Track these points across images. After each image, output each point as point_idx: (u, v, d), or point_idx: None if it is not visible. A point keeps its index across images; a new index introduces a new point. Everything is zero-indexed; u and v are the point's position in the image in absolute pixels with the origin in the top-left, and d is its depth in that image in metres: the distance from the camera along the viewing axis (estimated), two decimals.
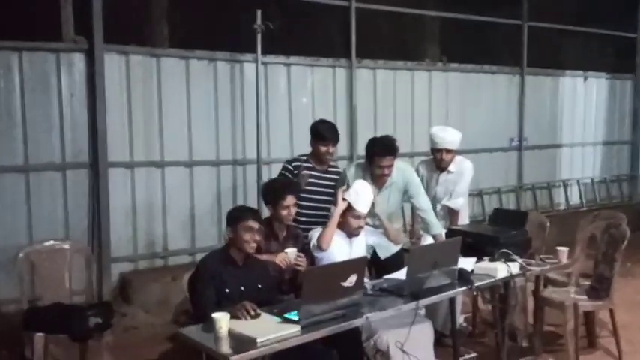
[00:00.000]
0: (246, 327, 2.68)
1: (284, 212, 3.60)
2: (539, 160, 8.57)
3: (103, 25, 5.09)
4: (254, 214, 3.30)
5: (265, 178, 5.40)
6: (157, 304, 5.14)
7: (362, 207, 3.61)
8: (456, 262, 3.39)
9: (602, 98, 9.35)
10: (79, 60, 5.18)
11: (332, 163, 4.42)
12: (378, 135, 4.25)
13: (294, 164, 4.25)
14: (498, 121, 8.05)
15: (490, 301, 3.77)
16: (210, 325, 2.67)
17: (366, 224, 3.82)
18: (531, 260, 3.84)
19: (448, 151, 4.46)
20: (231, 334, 2.63)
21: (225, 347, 2.55)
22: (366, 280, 3.37)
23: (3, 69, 4.89)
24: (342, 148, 6.55)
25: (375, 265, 4.11)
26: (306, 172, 4.17)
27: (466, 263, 3.55)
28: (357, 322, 2.89)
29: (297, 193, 3.73)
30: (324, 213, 4.19)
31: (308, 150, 4.39)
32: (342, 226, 3.68)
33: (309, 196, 4.17)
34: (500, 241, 3.78)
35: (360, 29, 6.57)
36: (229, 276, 3.18)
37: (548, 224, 4.66)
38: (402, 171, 4.11)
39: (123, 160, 5.38)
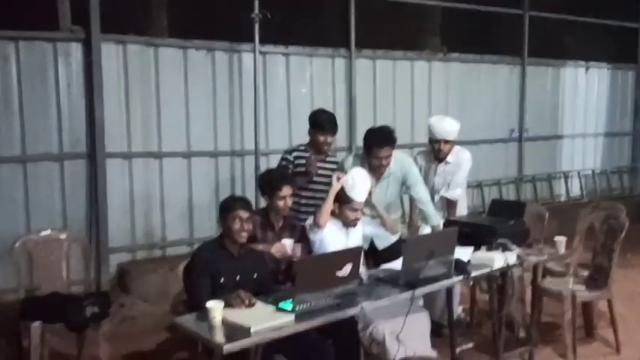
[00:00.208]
0: (240, 316, 2.68)
1: (280, 203, 3.58)
2: (540, 151, 8.53)
3: (100, 14, 5.06)
4: (243, 203, 3.28)
5: (263, 169, 5.36)
6: (155, 294, 5.14)
7: (357, 195, 3.59)
8: (452, 252, 3.38)
9: (604, 89, 9.30)
10: (76, 49, 5.15)
11: (330, 153, 4.39)
12: (371, 127, 4.22)
13: (294, 154, 4.22)
14: (499, 112, 8.02)
15: (487, 292, 3.75)
16: (204, 315, 2.66)
17: (364, 214, 3.80)
18: (529, 250, 3.82)
19: (446, 141, 4.43)
20: (225, 323, 2.62)
21: (219, 336, 2.54)
22: (362, 270, 3.36)
23: None
24: (341, 138, 6.52)
25: (373, 255, 4.10)
26: (314, 158, 4.13)
27: (463, 253, 3.54)
28: (352, 312, 2.88)
29: (293, 183, 3.71)
30: (321, 202, 4.17)
31: (307, 141, 4.36)
32: (339, 217, 3.66)
33: (307, 186, 4.15)
34: (497, 232, 3.76)
35: (360, 19, 6.52)
36: (224, 266, 3.17)
37: (546, 215, 4.64)
38: (401, 161, 4.09)
39: (120, 150, 5.37)
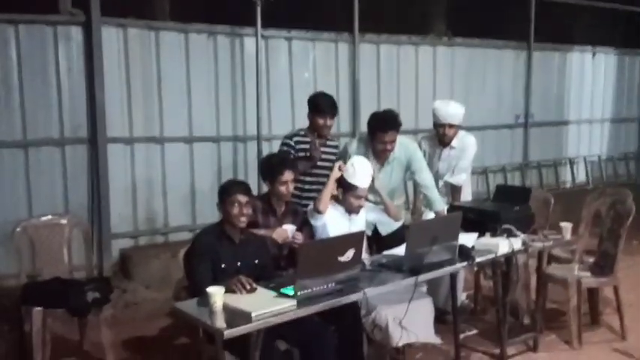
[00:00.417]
0: (241, 301, 2.64)
1: (282, 188, 3.53)
2: (546, 137, 8.46)
3: None
4: (242, 187, 3.23)
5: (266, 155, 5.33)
6: (157, 280, 5.12)
7: (359, 180, 3.55)
8: (456, 238, 3.33)
9: (611, 74, 9.20)
10: (76, 33, 5.10)
11: (330, 137, 4.34)
12: (375, 111, 4.16)
13: (295, 139, 4.16)
14: (504, 97, 7.94)
15: (492, 278, 3.71)
16: (205, 300, 2.63)
17: (367, 200, 3.76)
18: (534, 236, 3.77)
19: (451, 125, 4.37)
20: (225, 308, 2.59)
21: (219, 321, 2.51)
22: (364, 255, 3.33)
23: None
24: (344, 124, 6.52)
25: (376, 241, 4.06)
26: (317, 142, 4.08)
27: (467, 239, 3.49)
28: (355, 297, 2.85)
29: (295, 168, 3.66)
30: (323, 187, 4.14)
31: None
32: (342, 203, 3.63)
33: (310, 171, 4.10)
34: (502, 217, 3.72)
35: (363, 3, 6.43)
36: (225, 251, 3.13)
37: (552, 201, 4.58)
38: (405, 146, 4.04)
39: (122, 135, 5.33)
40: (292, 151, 4.08)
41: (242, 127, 5.91)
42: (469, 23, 7.54)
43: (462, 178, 4.45)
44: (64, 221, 4.05)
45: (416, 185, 4.35)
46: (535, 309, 4.15)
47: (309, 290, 2.70)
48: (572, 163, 8.77)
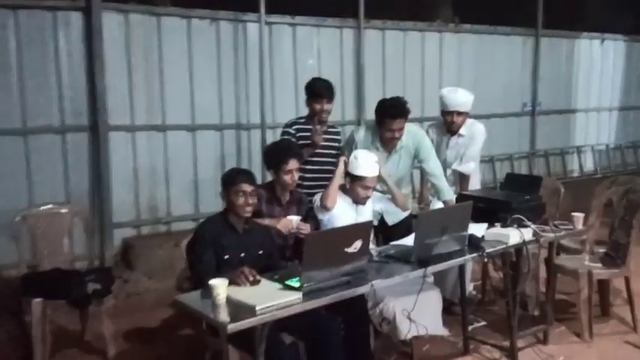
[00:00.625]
0: (245, 294, 2.56)
1: (287, 177, 3.45)
2: (553, 125, 8.37)
3: None
4: (247, 176, 3.14)
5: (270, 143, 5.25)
6: (160, 270, 5.07)
7: (365, 171, 3.47)
8: (466, 228, 3.24)
9: (620, 62, 9.10)
10: (76, 19, 5.01)
11: (332, 124, 4.24)
12: (383, 98, 4.05)
13: (295, 127, 4.06)
14: (511, 85, 7.84)
15: (502, 269, 3.62)
16: (208, 292, 2.55)
17: (374, 190, 3.67)
18: (545, 226, 3.67)
19: (459, 113, 4.27)
20: (229, 301, 2.51)
21: (223, 315, 2.43)
22: (372, 246, 3.25)
23: None
24: (349, 111, 6.45)
25: (383, 231, 3.98)
26: (319, 127, 3.98)
27: (477, 229, 3.40)
28: (362, 290, 2.76)
29: (300, 156, 3.57)
30: (327, 175, 4.00)
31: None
32: (349, 193, 3.55)
33: (310, 159, 4.00)
34: (512, 207, 3.60)
35: None
36: (229, 242, 3.06)
37: (562, 190, 4.49)
38: (413, 134, 3.95)
39: (123, 123, 5.26)
40: (293, 140, 3.99)
41: (245, 115, 5.83)
42: (476, 9, 7.41)
43: (471, 167, 4.36)
44: (64, 210, 4.00)
45: (424, 174, 4.25)
46: (545, 300, 4.07)
47: (316, 282, 2.61)
48: (579, 151, 8.68)
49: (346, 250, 2.69)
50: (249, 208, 3.11)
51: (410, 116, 3.90)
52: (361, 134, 3.97)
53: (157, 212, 5.52)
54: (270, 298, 2.51)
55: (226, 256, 3.03)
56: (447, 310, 3.91)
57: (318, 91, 4.02)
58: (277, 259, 3.29)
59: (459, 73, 7.24)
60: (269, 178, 3.69)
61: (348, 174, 3.54)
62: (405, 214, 3.97)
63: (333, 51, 6.32)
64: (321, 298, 2.60)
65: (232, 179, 3.11)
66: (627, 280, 4.11)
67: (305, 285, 2.59)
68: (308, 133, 3.98)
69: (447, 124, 4.33)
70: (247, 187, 3.08)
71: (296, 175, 3.49)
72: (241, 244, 3.10)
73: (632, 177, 4.60)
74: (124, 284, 4.90)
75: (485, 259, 3.38)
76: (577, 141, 8.72)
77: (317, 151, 4.00)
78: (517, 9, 7.86)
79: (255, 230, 3.21)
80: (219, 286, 2.51)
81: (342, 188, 3.57)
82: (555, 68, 8.27)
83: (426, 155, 3.97)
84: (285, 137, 4.02)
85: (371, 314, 3.30)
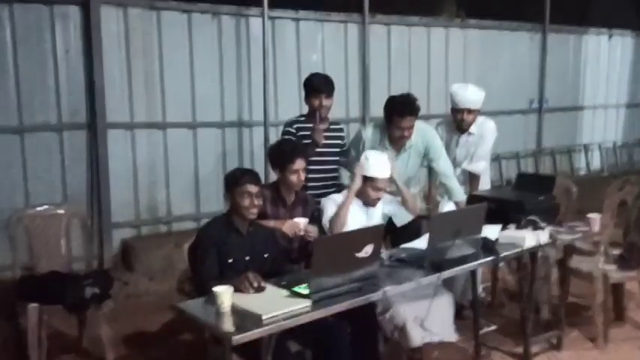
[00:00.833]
0: (250, 302, 2.43)
1: (293, 177, 3.32)
2: (560, 122, 8.25)
3: None
4: (252, 176, 3.02)
5: (273, 141, 5.12)
6: (160, 271, 4.94)
7: (376, 171, 3.34)
8: (480, 231, 3.11)
9: (628, 58, 8.98)
10: (74, 13, 4.89)
11: (333, 120, 4.10)
12: (392, 95, 3.92)
13: (295, 126, 3.92)
14: (518, 82, 7.71)
15: (516, 273, 3.49)
16: (211, 300, 2.42)
17: (385, 191, 3.54)
18: (560, 228, 3.54)
19: (470, 111, 4.13)
20: (234, 309, 2.38)
21: (227, 324, 2.30)
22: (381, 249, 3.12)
23: None
24: (353, 108, 6.33)
25: (391, 232, 3.84)
26: (320, 126, 3.84)
27: (490, 231, 3.26)
28: (374, 297, 2.63)
29: (306, 156, 3.44)
30: (331, 175, 3.96)
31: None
32: (360, 195, 3.42)
33: (312, 158, 3.86)
34: (526, 208, 3.48)
35: None
36: (233, 245, 2.94)
37: (574, 189, 4.36)
38: (423, 132, 3.82)
39: (122, 120, 5.14)
40: (294, 139, 3.84)
41: (248, 112, 5.71)
42: (482, 4, 7.28)
43: (481, 166, 4.23)
44: (61, 211, 3.87)
45: (433, 173, 4.12)
46: (559, 305, 3.93)
47: (325, 289, 2.48)
48: (586, 149, 8.55)
49: (357, 255, 2.56)
50: (254, 210, 2.99)
51: None
52: (369, 133, 3.84)
53: (156, 212, 5.40)
54: (277, 307, 2.38)
55: (230, 260, 2.91)
56: (457, 313, 3.77)
57: (316, 85, 3.88)
58: (283, 262, 3.17)
59: (464, 68, 7.13)
60: (272, 177, 3.55)
61: None
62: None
63: (338, 46, 6.20)
64: (331, 306, 2.46)
65: (237, 180, 2.99)
66: None
67: (314, 292, 2.46)
68: (309, 132, 3.85)
69: (457, 122, 4.19)
70: (253, 188, 2.96)
71: (302, 175, 3.36)
72: (246, 246, 2.98)
73: None
74: (124, 286, 4.78)
75: (502, 264, 3.23)
76: (584, 139, 8.61)
77: (319, 150, 3.86)
78: (524, 3, 7.72)
79: (259, 232, 3.09)
80: (224, 293, 2.38)
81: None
82: (562, 64, 8.15)
83: (437, 154, 3.84)
84: (287, 138, 3.88)
85: (380, 320, 3.17)
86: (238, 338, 2.19)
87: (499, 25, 7.46)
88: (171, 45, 5.29)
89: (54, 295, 3.37)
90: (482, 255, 3.11)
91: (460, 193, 3.88)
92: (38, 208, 3.84)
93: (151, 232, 5.38)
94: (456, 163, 4.21)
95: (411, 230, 3.69)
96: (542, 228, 3.38)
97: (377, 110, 5.94)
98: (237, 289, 2.50)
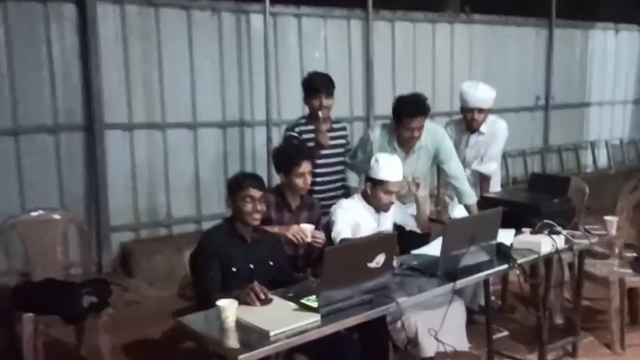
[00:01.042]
0: (256, 316, 2.30)
1: (299, 180, 3.19)
2: (567, 119, 8.15)
3: None
4: (255, 181, 2.90)
5: (275, 141, 5.04)
6: (161, 276, 4.83)
7: (387, 174, 3.20)
8: (495, 237, 2.97)
9: (635, 53, 8.87)
10: (69, 11, 4.80)
11: (335, 119, 3.96)
12: (397, 92, 3.85)
13: (297, 129, 3.78)
14: (524, 78, 7.60)
15: (529, 279, 3.35)
16: (215, 314, 2.28)
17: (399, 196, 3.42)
18: (576, 232, 3.40)
19: (480, 110, 4.02)
20: (239, 324, 2.24)
21: (232, 341, 2.16)
22: None
23: None
24: (357, 106, 6.24)
25: (400, 237, 3.70)
26: (323, 127, 3.71)
27: (504, 236, 3.12)
28: (387, 310, 2.49)
29: (313, 158, 3.31)
30: (337, 176, 3.84)
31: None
32: (371, 200, 3.28)
33: (319, 161, 3.71)
34: (541, 211, 3.34)
35: None
36: (236, 253, 2.81)
37: (587, 189, 4.23)
38: (433, 133, 3.70)
39: (121, 121, 5.04)
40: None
41: (249, 112, 5.61)
42: None
43: (492, 167, 4.11)
44: (57, 216, 3.73)
45: (443, 175, 3.99)
46: (574, 310, 3.80)
47: (335, 302, 2.35)
48: (593, 146, 8.43)
49: (368, 265, 2.43)
50: (257, 215, 2.86)
51: None
52: (377, 133, 3.71)
53: (156, 215, 5.29)
54: (285, 322, 2.24)
55: (234, 269, 2.79)
56: (467, 318, 3.66)
57: (315, 85, 3.76)
58: (288, 270, 3.04)
59: (470, 65, 7.02)
60: (275, 180, 3.43)
61: (368, 179, 3.27)
62: None
63: (341, 43, 6.09)
64: (342, 320, 2.33)
65: (239, 184, 2.87)
66: None
67: (324, 305, 2.32)
68: (312, 135, 3.72)
69: (467, 121, 4.07)
70: (256, 193, 2.84)
71: (309, 179, 3.24)
72: (250, 254, 2.86)
73: None
74: (123, 292, 4.66)
75: (518, 272, 3.10)
76: (591, 136, 8.51)
77: (323, 152, 3.74)
78: None
79: (263, 239, 2.96)
80: (228, 308, 2.24)
81: (364, 195, 3.31)
82: (569, 60, 8.04)
83: (447, 156, 3.72)
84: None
85: (391, 329, 3.04)
86: (245, 357, 2.05)
87: (505, 20, 7.36)
88: (171, 42, 5.18)
89: (50, 305, 3.24)
90: (497, 262, 2.97)
91: (472, 196, 3.76)
92: (33, 214, 3.70)
93: (150, 235, 5.29)
94: (465, 164, 4.09)
95: (420, 234, 3.56)
96: (558, 232, 3.24)
97: (381, 108, 5.83)
98: (242, 302, 2.37)
